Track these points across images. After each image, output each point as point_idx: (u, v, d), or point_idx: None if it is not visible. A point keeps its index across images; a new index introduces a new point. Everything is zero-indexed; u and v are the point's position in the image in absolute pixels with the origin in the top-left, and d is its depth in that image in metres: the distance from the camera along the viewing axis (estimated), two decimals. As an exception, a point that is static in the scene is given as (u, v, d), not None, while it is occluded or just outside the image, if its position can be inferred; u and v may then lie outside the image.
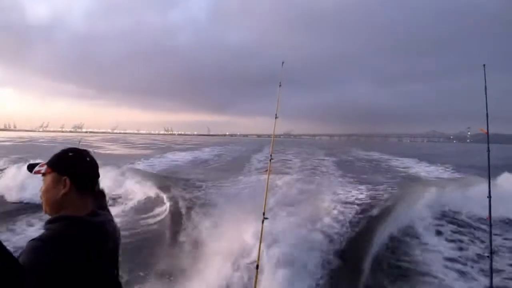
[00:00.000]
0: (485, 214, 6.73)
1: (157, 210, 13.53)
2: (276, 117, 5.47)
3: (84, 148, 2.25)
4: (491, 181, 6.22)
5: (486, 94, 5.86)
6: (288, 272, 8.29)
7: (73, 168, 2.05)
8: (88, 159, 2.13)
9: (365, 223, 11.61)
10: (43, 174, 2.08)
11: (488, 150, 6.12)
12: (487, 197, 5.92)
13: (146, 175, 17.53)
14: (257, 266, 2.79)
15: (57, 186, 2.02)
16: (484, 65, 6.04)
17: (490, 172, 6.22)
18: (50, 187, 2.04)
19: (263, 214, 2.80)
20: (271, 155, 3.58)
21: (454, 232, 12.05)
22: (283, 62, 6.54)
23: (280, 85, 6.31)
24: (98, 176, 2.17)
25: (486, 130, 5.93)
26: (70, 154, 2.10)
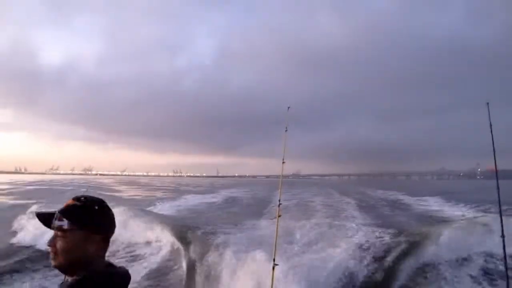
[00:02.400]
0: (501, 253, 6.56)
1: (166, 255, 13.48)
2: (283, 162, 5.44)
3: (98, 197, 2.18)
4: (506, 218, 6.10)
5: (491, 131, 5.82)
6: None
7: (104, 225, 2.05)
8: (111, 212, 2.12)
9: (383, 265, 11.46)
10: (65, 231, 1.96)
11: (498, 188, 6.00)
12: (500, 236, 5.81)
13: (158, 220, 17.48)
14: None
15: (86, 244, 1.96)
16: (487, 103, 6.02)
17: (501, 210, 6.11)
18: (76, 246, 1.94)
19: (273, 260, 2.76)
20: (279, 200, 3.56)
21: (472, 276, 11.83)
22: (288, 107, 6.51)
23: (286, 130, 6.28)
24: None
25: (494, 168, 5.86)
26: (96, 208, 2.04)
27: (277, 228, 3.03)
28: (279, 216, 3.07)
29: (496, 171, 5.91)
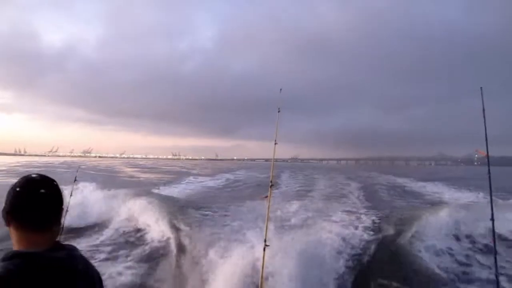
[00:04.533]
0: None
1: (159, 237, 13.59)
2: (275, 143, 5.49)
3: (49, 177, 1.99)
4: (497, 203, 6.20)
5: (484, 116, 5.86)
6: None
7: (16, 205, 1.86)
8: (43, 190, 1.89)
9: (375, 246, 11.62)
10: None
11: (489, 172, 6.08)
12: (490, 219, 5.89)
13: (156, 201, 17.58)
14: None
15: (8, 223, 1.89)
16: (481, 88, 6.06)
17: (492, 195, 6.19)
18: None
19: (264, 241, 2.80)
20: (271, 181, 3.60)
21: (462, 254, 12.05)
22: (281, 89, 6.57)
23: (279, 111, 6.33)
24: (55, 207, 1.94)
25: (485, 153, 5.92)
26: (18, 189, 1.88)
27: (268, 209, 3.08)
28: (270, 196, 3.11)
29: (488, 156, 5.96)
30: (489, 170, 5.92)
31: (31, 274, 1.69)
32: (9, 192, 1.88)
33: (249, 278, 7.88)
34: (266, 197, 3.34)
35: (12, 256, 1.74)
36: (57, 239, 1.90)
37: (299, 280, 8.84)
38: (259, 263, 2.67)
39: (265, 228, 2.98)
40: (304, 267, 9.27)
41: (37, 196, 1.86)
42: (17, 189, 1.86)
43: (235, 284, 8.48)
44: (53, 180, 1.99)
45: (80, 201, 16.07)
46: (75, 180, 8.97)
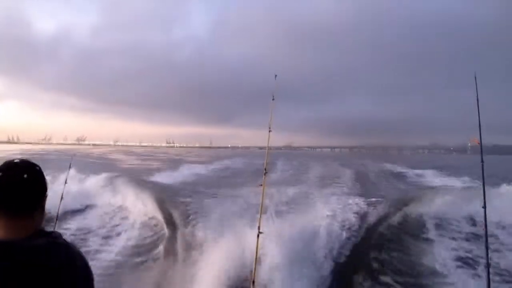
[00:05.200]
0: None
1: (153, 227, 13.64)
2: (269, 130, 5.49)
3: (31, 162, 1.94)
4: (490, 191, 6.23)
5: (478, 105, 5.89)
6: (281, 276, 8.37)
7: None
8: (25, 175, 1.83)
9: (367, 230, 11.75)
10: None
11: (482, 161, 6.13)
12: (482, 207, 5.94)
13: (147, 188, 17.61)
14: (253, 282, 2.82)
15: None
16: (475, 76, 6.08)
17: (484, 182, 6.24)
18: None
19: (258, 228, 2.82)
20: (265, 169, 3.62)
21: (452, 241, 12.20)
22: (276, 75, 6.55)
23: (273, 99, 6.33)
24: (38, 193, 1.88)
25: (479, 141, 5.95)
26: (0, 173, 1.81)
27: (262, 197, 3.09)
28: (264, 183, 3.12)
29: (481, 144, 6.00)
30: (482, 158, 5.96)
31: (7, 263, 1.63)
32: None
33: (242, 263, 7.93)
34: (261, 185, 3.35)
35: None
36: (51, 226, 1.87)
37: (293, 266, 8.93)
38: (253, 249, 2.68)
39: (259, 215, 3.00)
40: (298, 253, 9.35)
41: (19, 181, 1.80)
42: (25, 175, 1.81)
43: (228, 269, 8.54)
44: (35, 165, 1.93)
45: (74, 188, 16.08)
46: (69, 167, 8.97)
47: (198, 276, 8.93)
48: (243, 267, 7.77)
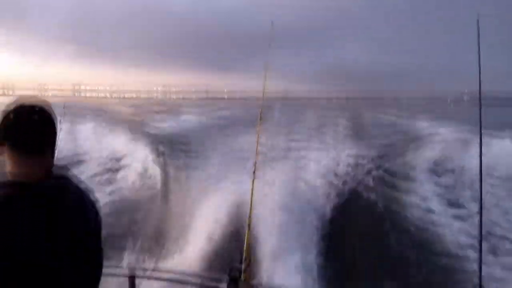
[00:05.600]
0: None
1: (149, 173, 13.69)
2: (265, 79, 5.42)
3: (40, 103, 1.90)
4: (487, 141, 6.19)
5: (479, 50, 5.77)
6: (280, 231, 8.53)
7: (10, 129, 1.81)
8: (36, 117, 1.83)
9: (361, 178, 11.87)
10: None
11: (480, 108, 6.07)
12: (478, 156, 5.93)
13: (146, 137, 17.62)
14: (249, 225, 2.85)
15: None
16: (477, 19, 5.91)
17: (481, 131, 6.19)
18: None
19: (254, 173, 2.84)
20: (260, 114, 3.61)
21: (447, 191, 12.32)
22: (272, 22, 6.40)
23: (270, 46, 6.21)
24: (50, 136, 1.90)
25: (478, 90, 5.88)
26: (11, 112, 1.82)
27: (257, 142, 3.08)
28: (259, 130, 3.11)
29: (480, 89, 5.92)
30: (480, 105, 5.90)
31: (20, 203, 1.68)
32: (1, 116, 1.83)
33: (239, 209, 8.03)
34: (256, 132, 3.34)
35: (2, 186, 1.73)
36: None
37: (287, 211, 9.06)
38: (248, 195, 2.71)
39: (254, 161, 3.01)
40: (292, 198, 9.49)
41: (34, 118, 1.84)
42: (12, 111, 1.82)
43: (224, 215, 8.66)
44: (47, 104, 1.93)
45: (68, 136, 16.06)
46: (63, 114, 8.89)
47: (196, 221, 9.06)
48: (240, 212, 7.88)
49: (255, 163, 2.77)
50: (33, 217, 1.69)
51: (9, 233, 1.65)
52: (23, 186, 1.73)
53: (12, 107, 1.83)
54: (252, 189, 2.62)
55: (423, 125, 32.36)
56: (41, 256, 1.71)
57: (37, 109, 1.86)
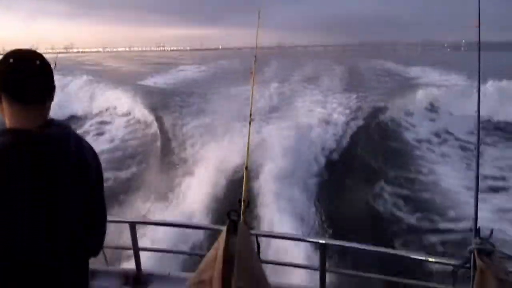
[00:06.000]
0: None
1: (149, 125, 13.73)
2: (258, 26, 5.30)
3: (34, 51, 1.83)
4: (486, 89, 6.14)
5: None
6: (279, 175, 8.60)
7: (11, 77, 1.72)
8: (38, 62, 1.75)
9: (357, 125, 11.93)
10: None
11: (479, 55, 5.98)
12: (476, 111, 5.91)
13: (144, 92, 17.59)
14: (246, 167, 2.84)
15: None
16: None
17: (480, 77, 6.13)
18: None
19: (250, 115, 2.82)
20: (255, 56, 3.55)
21: (443, 139, 12.41)
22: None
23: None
24: (48, 84, 1.80)
25: (477, 24, 5.77)
26: (11, 61, 1.71)
27: (252, 83, 3.04)
28: (254, 73, 3.08)
29: (479, 31, 5.82)
30: (479, 51, 5.81)
31: (22, 149, 1.65)
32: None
33: (237, 153, 8.08)
34: (251, 73, 3.29)
35: (3, 133, 1.68)
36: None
37: (285, 152, 9.14)
38: (245, 138, 2.71)
39: (250, 103, 2.98)
40: (289, 140, 9.56)
41: (33, 67, 1.75)
42: (11, 60, 1.72)
43: (223, 159, 8.73)
44: (42, 55, 1.82)
45: (62, 91, 16.03)
46: (54, 67, 8.78)
47: (196, 169, 9.14)
48: (238, 156, 7.92)
49: (251, 105, 2.75)
50: (36, 164, 1.67)
51: (12, 179, 1.62)
52: (24, 134, 1.69)
53: (9, 57, 1.74)
54: (249, 132, 2.62)
55: (419, 71, 32.25)
56: (43, 201, 1.69)
57: (34, 58, 1.77)
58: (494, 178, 10.02)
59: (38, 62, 1.75)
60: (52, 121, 1.79)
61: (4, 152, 1.63)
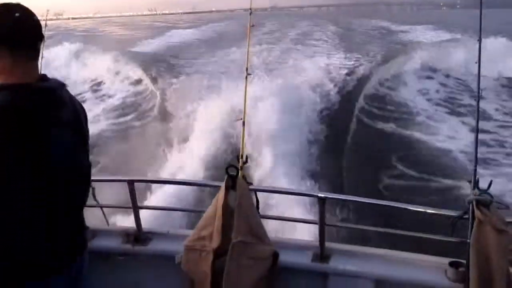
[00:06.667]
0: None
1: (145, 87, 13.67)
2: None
3: (18, 3, 1.78)
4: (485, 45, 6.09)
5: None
6: (276, 132, 8.62)
7: (15, 31, 1.70)
8: (17, 14, 1.70)
9: (352, 85, 11.89)
10: None
11: (481, 11, 5.89)
12: (475, 62, 5.86)
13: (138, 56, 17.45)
14: (244, 123, 2.83)
15: None
16: None
17: (481, 33, 6.06)
18: None
19: (246, 70, 2.79)
20: (250, 9, 3.50)
21: (442, 96, 12.39)
22: None
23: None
24: (39, 36, 1.80)
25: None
26: (17, 15, 1.70)
27: (248, 37, 3.00)
28: (252, 26, 3.03)
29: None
30: (481, 9, 5.71)
31: (25, 102, 1.66)
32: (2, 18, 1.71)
33: (234, 109, 8.08)
34: (248, 27, 3.24)
35: (4, 88, 1.68)
36: None
37: (280, 108, 9.15)
38: (242, 92, 2.72)
39: (246, 57, 2.95)
40: (284, 98, 9.55)
41: (33, 21, 1.76)
42: (16, 14, 1.69)
43: (221, 114, 8.73)
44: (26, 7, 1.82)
45: (53, 57, 15.88)
46: (44, 30, 8.65)
47: (195, 127, 9.17)
48: (235, 111, 7.94)
49: (247, 59, 2.72)
50: (38, 115, 1.69)
51: (16, 132, 1.63)
52: (23, 87, 1.70)
53: (14, 10, 1.72)
54: (246, 88, 2.60)
55: (413, 30, 31.97)
56: (45, 159, 1.71)
57: (19, 8, 1.74)
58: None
59: (23, 12, 1.73)
60: (45, 75, 1.82)
61: (7, 109, 1.62)
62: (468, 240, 2.15)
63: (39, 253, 1.73)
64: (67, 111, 1.84)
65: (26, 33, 1.74)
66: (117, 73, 15.58)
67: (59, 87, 1.84)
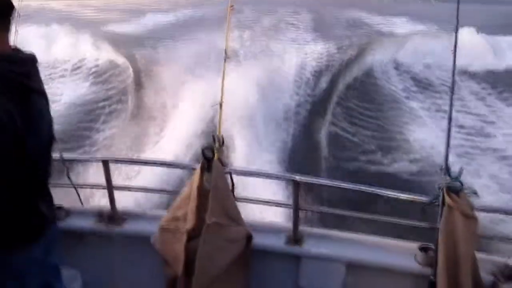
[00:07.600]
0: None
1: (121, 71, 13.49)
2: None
3: None
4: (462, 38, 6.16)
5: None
6: (249, 110, 8.64)
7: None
8: None
9: (330, 72, 11.93)
10: None
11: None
12: (451, 50, 5.93)
13: (112, 39, 17.16)
14: (221, 105, 2.83)
15: None
16: None
17: (458, 23, 6.13)
18: None
19: (225, 52, 2.78)
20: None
21: (417, 80, 12.54)
22: None
23: None
24: (11, 6, 1.75)
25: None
26: None
27: (228, 19, 2.99)
28: (232, 7, 3.00)
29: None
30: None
31: (5, 70, 1.64)
32: None
33: (214, 93, 8.06)
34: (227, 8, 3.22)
35: None
36: None
37: (257, 93, 9.17)
38: (220, 76, 2.71)
39: (225, 40, 2.94)
40: (262, 83, 9.57)
41: None
42: None
43: (200, 98, 8.69)
44: None
45: (25, 38, 15.55)
46: (18, 15, 8.45)
47: (172, 110, 9.12)
48: (213, 95, 7.91)
49: (226, 40, 2.72)
50: (12, 86, 1.66)
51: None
52: (3, 56, 1.67)
53: None
54: (224, 70, 2.60)
55: (393, 22, 32.07)
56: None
57: None
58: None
59: None
60: (17, 47, 1.80)
61: None
62: (437, 226, 2.18)
63: (21, 220, 1.73)
64: (40, 81, 1.84)
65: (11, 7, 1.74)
66: (91, 55, 15.32)
67: (34, 57, 1.82)
